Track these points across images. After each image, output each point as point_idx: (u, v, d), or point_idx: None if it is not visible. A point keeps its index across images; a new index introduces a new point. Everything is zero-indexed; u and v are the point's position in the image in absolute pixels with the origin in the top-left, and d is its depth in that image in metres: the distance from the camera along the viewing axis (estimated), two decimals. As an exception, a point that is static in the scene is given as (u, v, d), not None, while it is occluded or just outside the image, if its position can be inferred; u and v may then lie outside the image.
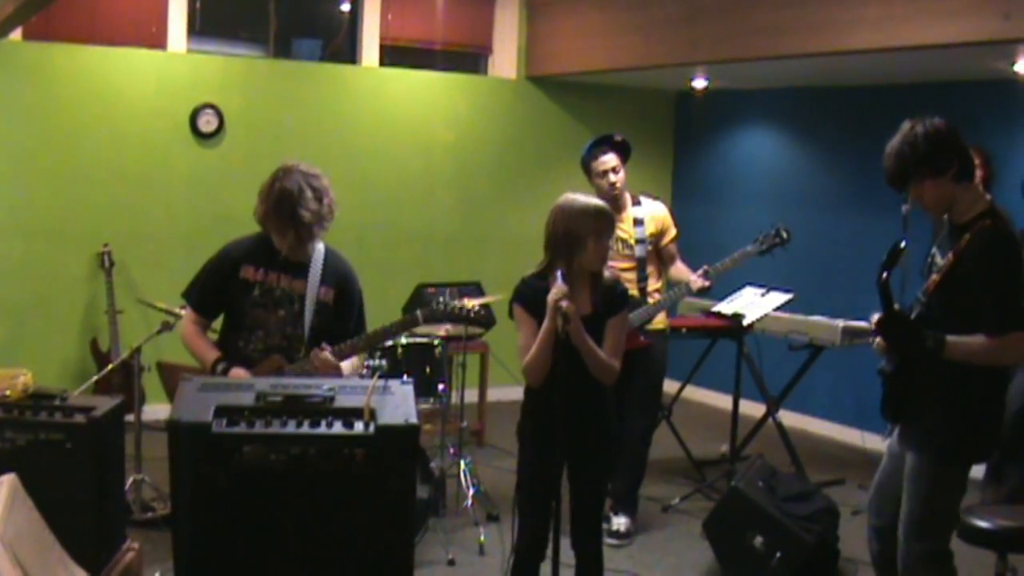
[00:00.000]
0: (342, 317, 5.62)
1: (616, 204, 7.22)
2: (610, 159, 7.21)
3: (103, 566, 4.64)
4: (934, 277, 4.77)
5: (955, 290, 4.68)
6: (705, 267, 7.22)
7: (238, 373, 5.30)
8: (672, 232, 7.47)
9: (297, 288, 5.49)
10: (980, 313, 4.59)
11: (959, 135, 4.77)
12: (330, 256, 5.62)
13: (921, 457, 4.80)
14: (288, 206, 5.27)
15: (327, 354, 5.36)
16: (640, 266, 7.30)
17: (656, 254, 7.40)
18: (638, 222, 7.32)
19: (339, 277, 5.62)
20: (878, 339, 4.87)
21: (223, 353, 5.46)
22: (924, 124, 4.72)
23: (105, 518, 4.72)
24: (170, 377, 7.05)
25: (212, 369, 5.36)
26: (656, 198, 7.62)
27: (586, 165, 7.33)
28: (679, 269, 7.43)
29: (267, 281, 5.47)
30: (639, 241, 7.29)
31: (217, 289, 5.52)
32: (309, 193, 5.30)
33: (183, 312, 5.87)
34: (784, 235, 7.40)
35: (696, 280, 7.19)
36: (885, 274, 4.61)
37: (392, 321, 5.71)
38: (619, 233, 7.23)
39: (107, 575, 4.69)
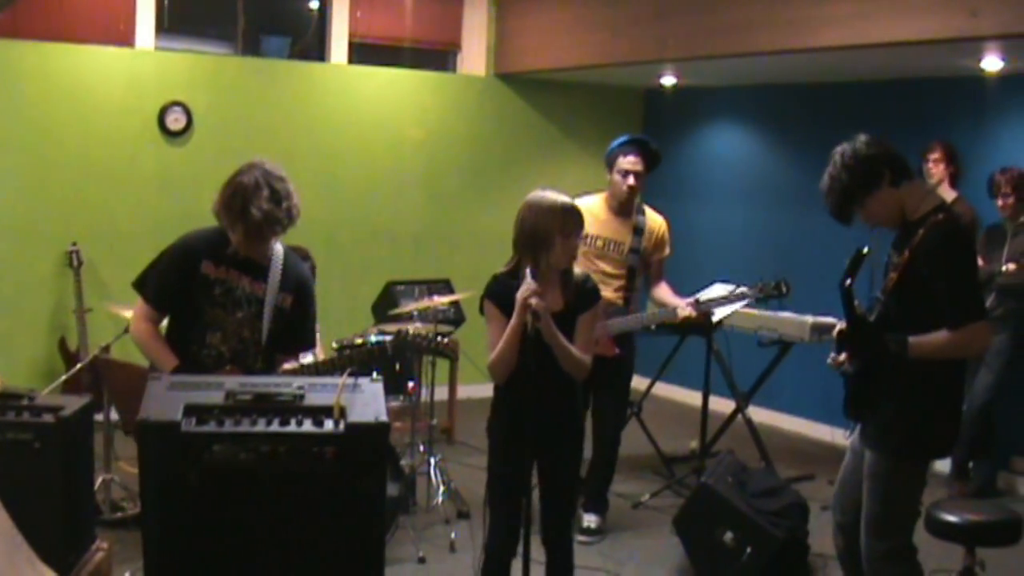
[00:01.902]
0: (297, 323, 5.54)
1: (624, 208, 7.26)
2: (636, 161, 7.19)
3: (72, 566, 4.62)
4: (892, 275, 4.81)
5: (912, 286, 4.73)
6: (696, 298, 7.22)
7: None
8: (666, 251, 7.46)
9: (257, 291, 5.37)
10: (938, 307, 4.63)
11: (882, 143, 4.85)
12: (289, 260, 5.49)
13: (878, 455, 4.84)
14: (240, 201, 5.12)
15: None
16: (630, 275, 7.29)
17: (644, 267, 7.40)
18: (638, 231, 7.30)
19: (297, 283, 5.50)
20: (832, 355, 4.92)
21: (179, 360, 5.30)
22: (842, 153, 4.83)
23: (74, 518, 4.71)
24: (109, 376, 6.76)
25: None
26: (660, 212, 7.59)
27: (611, 158, 7.29)
28: (663, 289, 7.42)
29: (228, 279, 5.33)
30: (633, 250, 7.28)
31: (176, 283, 5.33)
32: (266, 192, 5.12)
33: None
34: (784, 289, 7.36)
35: (684, 308, 7.17)
36: (848, 280, 4.64)
37: (359, 351, 5.70)
38: (615, 236, 7.24)
39: (76, 575, 4.67)
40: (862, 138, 4.85)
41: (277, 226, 5.21)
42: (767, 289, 7.36)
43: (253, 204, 5.10)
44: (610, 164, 7.28)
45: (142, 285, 5.46)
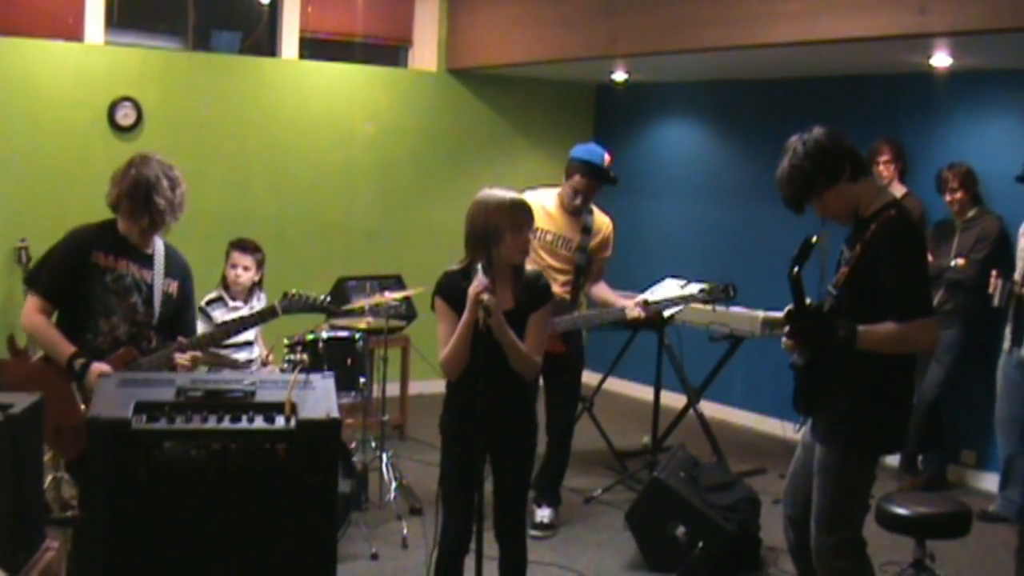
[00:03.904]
0: (184, 308, 5.72)
1: (575, 208, 7.29)
2: (590, 185, 7.25)
3: (22, 566, 4.59)
4: (843, 269, 4.84)
5: (863, 281, 4.75)
6: (645, 299, 7.26)
7: (101, 369, 5.28)
8: (608, 252, 7.51)
9: (146, 277, 5.54)
10: (888, 301, 4.65)
11: (841, 137, 4.86)
12: (170, 250, 5.70)
13: (828, 449, 4.86)
14: (144, 192, 5.34)
15: (187, 356, 5.50)
16: (577, 272, 7.33)
17: (588, 265, 7.42)
18: (586, 231, 7.34)
19: (181, 271, 5.71)
20: (785, 338, 4.93)
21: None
22: (804, 142, 4.82)
23: (23, 517, 4.67)
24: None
25: (68, 366, 5.34)
26: (604, 210, 7.61)
27: (570, 169, 7.31)
28: (602, 288, 7.49)
29: (118, 267, 5.48)
30: (580, 248, 7.32)
31: (68, 274, 5.47)
32: (165, 182, 5.37)
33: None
34: (731, 292, 7.41)
35: (633, 309, 7.23)
36: (796, 268, 4.65)
37: (250, 313, 5.79)
38: (566, 233, 7.28)
39: (26, 575, 4.64)
40: (820, 130, 4.85)
41: (178, 212, 5.47)
42: (715, 292, 7.42)
43: (157, 194, 5.36)
44: (568, 172, 7.31)
45: (34, 280, 5.67)
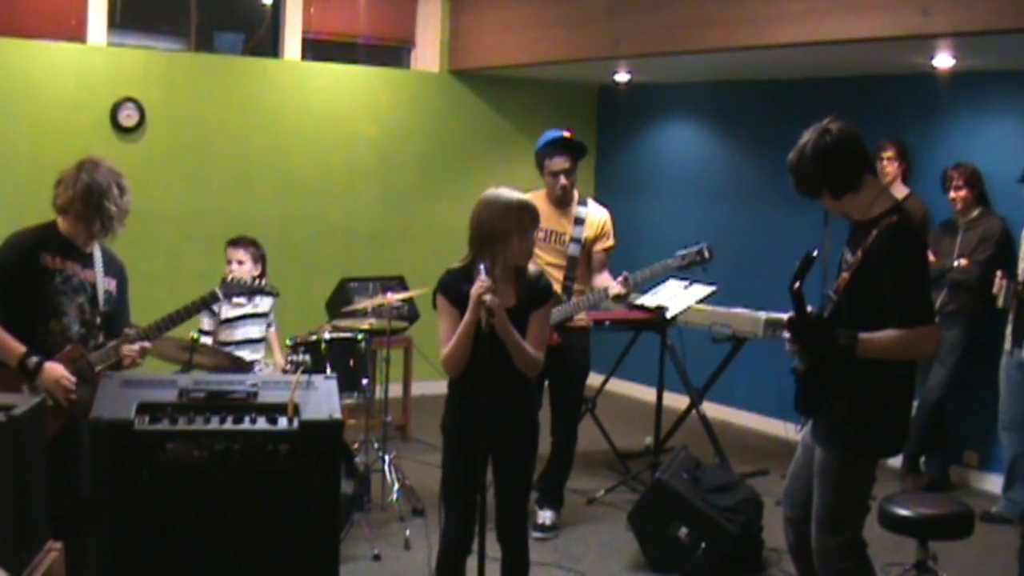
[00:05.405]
0: (120, 306, 5.74)
1: (562, 199, 7.29)
2: (563, 161, 7.25)
3: (24, 566, 4.59)
4: (844, 275, 4.83)
5: (864, 286, 4.74)
6: (625, 274, 7.21)
7: (55, 368, 5.29)
8: (609, 241, 7.47)
9: (88, 277, 5.55)
10: (889, 308, 4.65)
11: (843, 148, 4.81)
12: (105, 249, 5.71)
13: (828, 451, 4.86)
14: (97, 197, 5.38)
15: (137, 346, 5.49)
16: (571, 265, 7.31)
17: (587, 258, 7.41)
18: (579, 221, 7.33)
19: (117, 269, 5.74)
20: (786, 344, 4.93)
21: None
22: (808, 144, 4.85)
23: (26, 518, 4.67)
24: None
25: (20, 365, 5.28)
26: (603, 204, 7.61)
27: (539, 160, 7.36)
28: (603, 278, 7.40)
29: (65, 268, 5.49)
30: (574, 240, 7.30)
31: (17, 279, 5.43)
32: (115, 190, 5.43)
33: None
34: (707, 254, 7.37)
35: (615, 287, 7.17)
36: (797, 284, 4.65)
37: (193, 300, 5.82)
38: (556, 227, 7.27)
39: (29, 575, 4.64)
40: (828, 138, 4.82)
41: (125, 218, 5.52)
42: (690, 256, 7.38)
43: (108, 200, 5.42)
44: (540, 166, 7.36)
45: None
